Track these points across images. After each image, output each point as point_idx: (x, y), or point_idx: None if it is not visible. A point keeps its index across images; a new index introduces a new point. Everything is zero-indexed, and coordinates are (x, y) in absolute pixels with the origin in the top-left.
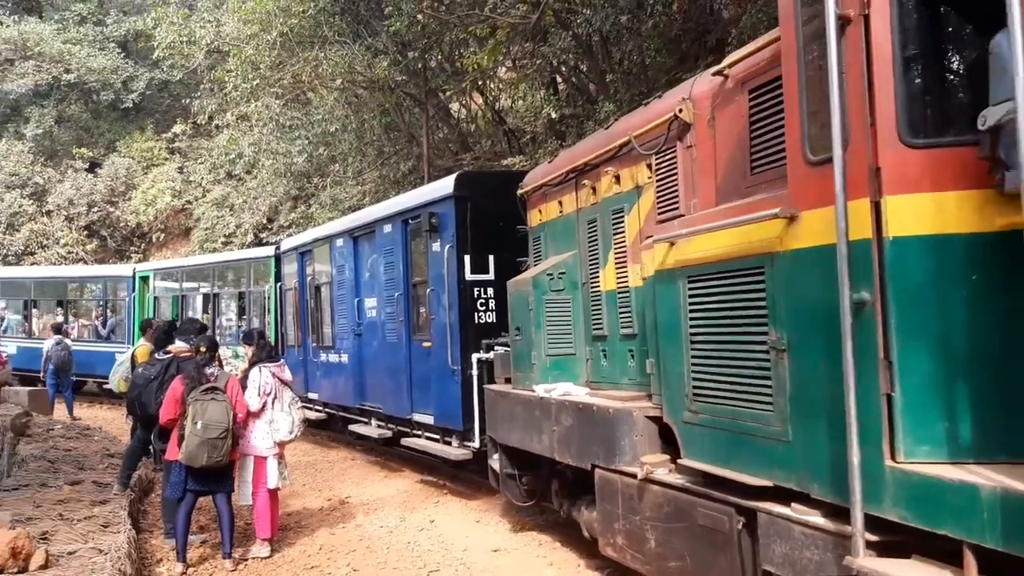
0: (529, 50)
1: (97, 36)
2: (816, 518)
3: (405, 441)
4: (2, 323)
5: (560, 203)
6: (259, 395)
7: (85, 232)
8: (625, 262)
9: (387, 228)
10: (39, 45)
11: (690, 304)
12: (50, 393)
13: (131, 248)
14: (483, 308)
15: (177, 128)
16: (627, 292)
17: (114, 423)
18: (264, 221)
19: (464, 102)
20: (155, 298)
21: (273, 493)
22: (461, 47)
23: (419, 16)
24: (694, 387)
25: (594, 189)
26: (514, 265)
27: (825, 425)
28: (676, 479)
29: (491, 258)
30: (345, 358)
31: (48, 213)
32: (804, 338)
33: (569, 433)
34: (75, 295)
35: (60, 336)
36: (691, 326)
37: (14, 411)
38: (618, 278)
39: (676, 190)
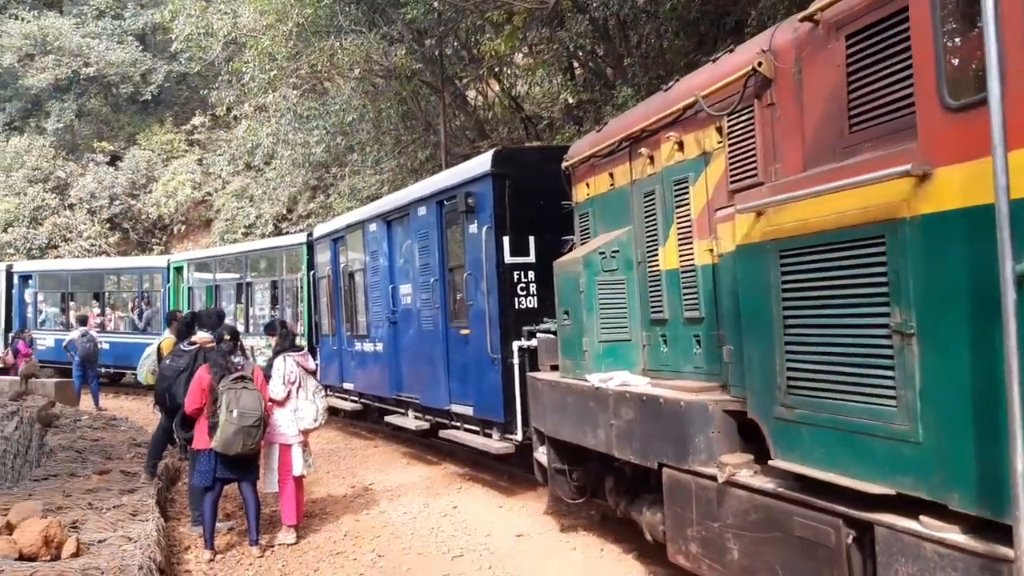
0: (546, 35)
1: (115, 30)
2: (956, 535)
3: (443, 433)
4: (40, 315)
5: (611, 175)
6: (284, 384)
7: (107, 225)
8: (690, 237)
9: (421, 211)
10: (59, 39)
11: (784, 282)
12: (76, 384)
13: (152, 240)
14: (523, 293)
15: (196, 120)
16: (692, 271)
17: (139, 413)
18: (284, 211)
19: (481, 89)
20: (189, 289)
21: (298, 480)
22: (478, 34)
23: (435, 3)
24: (789, 378)
25: (651, 158)
26: (556, 246)
27: (970, 423)
28: (765, 483)
29: (531, 239)
30: (380, 347)
31: (71, 207)
32: (940, 319)
33: (630, 428)
34: (111, 287)
35: (85, 328)
36: (785, 307)
37: (41, 403)
38: (681, 255)
39: (753, 154)
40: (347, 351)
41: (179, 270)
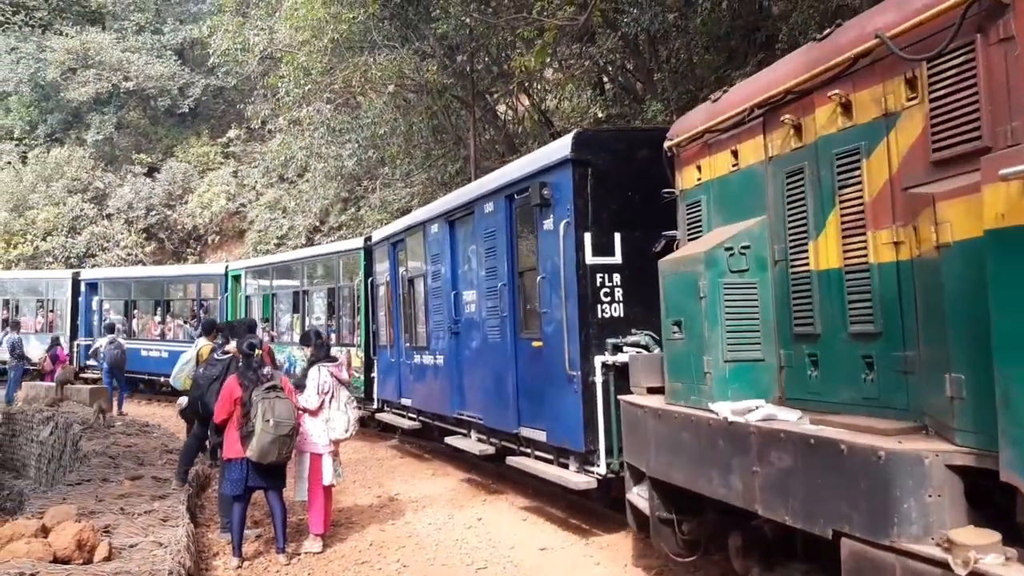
0: (576, 51)
1: (155, 44)
2: None
3: (512, 461)
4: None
5: (734, 153)
6: (318, 394)
7: (144, 235)
8: (861, 227)
9: (488, 207)
10: (100, 54)
11: None
12: (108, 391)
13: (187, 250)
14: (607, 299)
15: (231, 133)
16: (864, 271)
17: (171, 420)
18: (316, 223)
19: (511, 103)
20: (247, 297)
21: (327, 490)
22: (508, 49)
23: (467, 19)
24: None
25: (798, 128)
26: (645, 245)
27: None
28: None
29: (617, 237)
30: (441, 360)
31: (108, 216)
32: None
33: (785, 479)
34: (171, 295)
35: (113, 336)
36: None
37: (76, 409)
38: (847, 251)
39: (974, 109)
40: (405, 364)
41: (236, 278)
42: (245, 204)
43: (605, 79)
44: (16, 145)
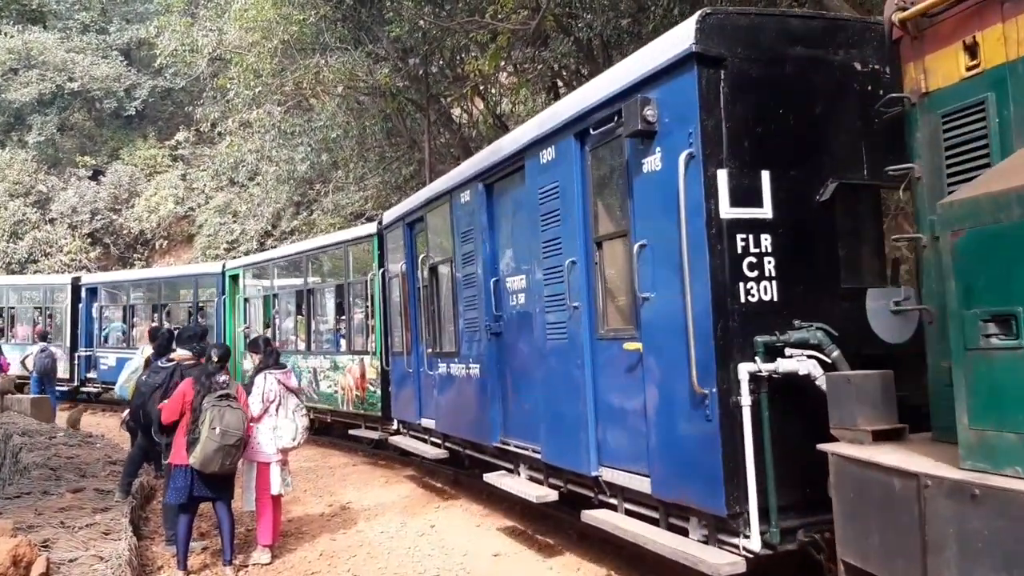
0: (530, 55)
1: (100, 44)
2: None
3: (591, 517)
4: (103, 331)
5: None
6: (262, 401)
7: (88, 240)
8: None
9: (546, 155)
10: (42, 54)
11: None
12: (52, 402)
13: (134, 255)
14: (754, 274)
15: (180, 135)
16: None
17: (116, 431)
18: (268, 228)
19: (465, 107)
20: (245, 300)
21: (276, 499)
22: (462, 52)
23: (420, 22)
24: None
25: None
26: (807, 191)
27: None
28: None
29: (765, 178)
30: (475, 370)
31: (51, 221)
32: None
33: None
34: (168, 299)
35: (45, 344)
36: None
37: (16, 419)
38: None
39: None
40: (426, 375)
41: (235, 278)
42: (194, 208)
43: (560, 83)
44: None
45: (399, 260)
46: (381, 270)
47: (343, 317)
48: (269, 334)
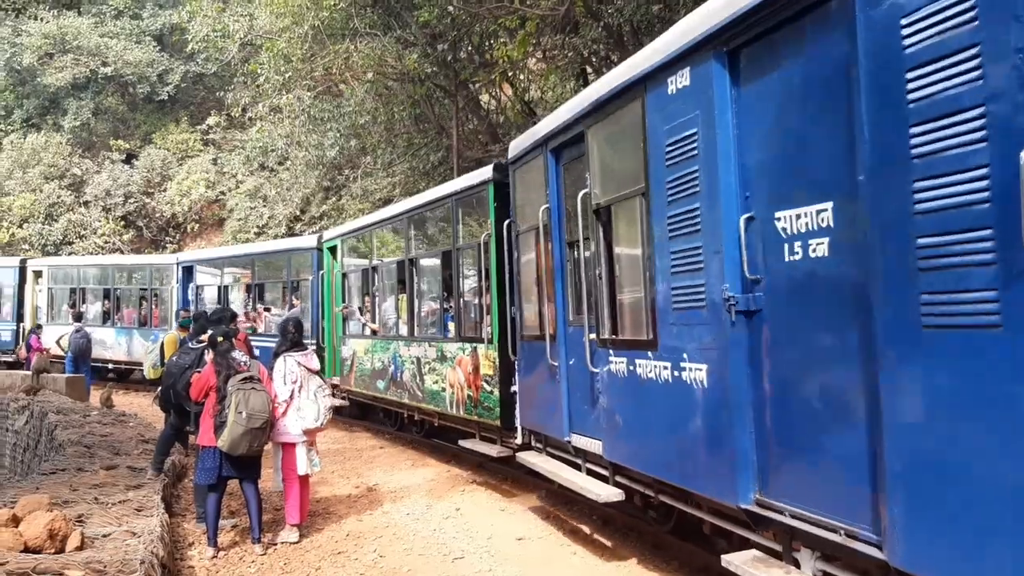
0: (559, 41)
1: (133, 30)
2: None
3: None
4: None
5: None
6: (285, 383)
7: (122, 222)
8: None
9: None
10: (77, 39)
11: None
12: (86, 380)
13: (166, 238)
14: None
15: (211, 120)
16: None
17: (149, 410)
18: (297, 212)
19: (494, 93)
20: (343, 275)
21: (303, 479)
22: (491, 38)
23: (449, 8)
24: None
25: None
26: None
27: None
28: None
29: None
30: (698, 374)
31: (86, 204)
32: None
33: None
34: (262, 277)
35: (79, 324)
36: None
37: (51, 398)
38: None
39: None
40: (583, 371)
41: (333, 250)
42: (225, 192)
43: (589, 69)
44: None
45: (534, 207)
46: (507, 222)
47: (452, 295)
48: (365, 316)
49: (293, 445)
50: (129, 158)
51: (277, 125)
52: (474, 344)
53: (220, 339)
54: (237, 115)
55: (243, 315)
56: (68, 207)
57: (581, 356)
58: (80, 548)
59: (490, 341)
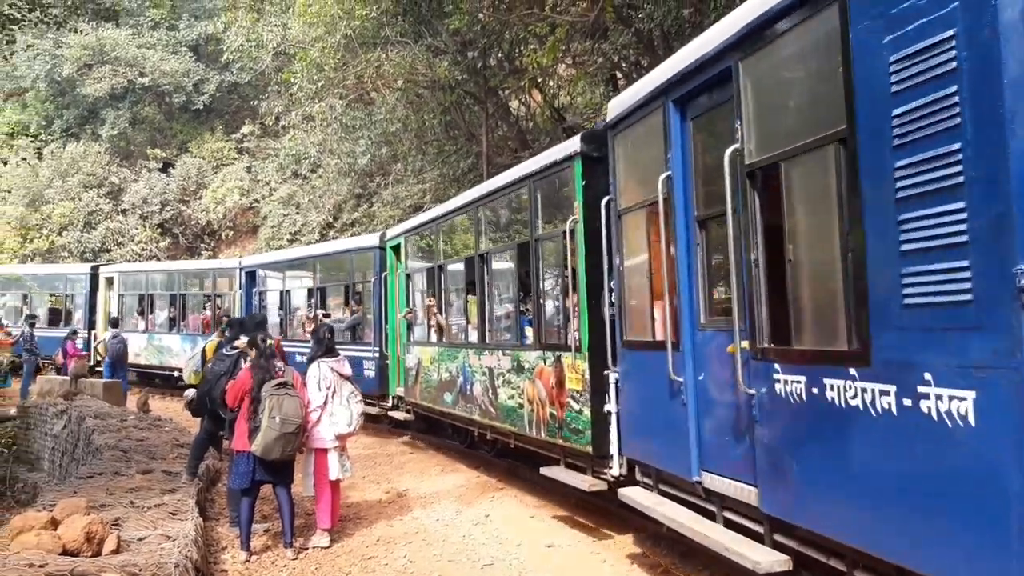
0: (589, 47)
1: (170, 40)
2: None
3: None
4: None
5: None
6: (319, 389)
7: (158, 230)
8: None
9: None
10: (115, 50)
11: None
12: (122, 385)
13: (201, 245)
14: None
15: (245, 129)
16: None
17: (184, 415)
18: (329, 219)
19: (523, 99)
20: (407, 276)
21: (334, 484)
22: (521, 45)
23: (479, 15)
24: None
25: None
26: None
27: None
28: None
29: None
30: (956, 406)
31: (123, 211)
32: None
33: None
34: (322, 279)
35: (116, 330)
36: None
37: (89, 402)
38: None
39: None
40: (727, 391)
41: (396, 250)
42: (258, 199)
43: (619, 75)
44: (32, 140)
45: (646, 179)
46: (605, 201)
47: (530, 295)
48: (429, 320)
49: (325, 450)
50: (166, 166)
51: (310, 133)
52: (557, 353)
53: (259, 344)
54: (271, 124)
55: (306, 320)
56: (106, 215)
57: (722, 371)
58: (116, 551)
59: (578, 349)
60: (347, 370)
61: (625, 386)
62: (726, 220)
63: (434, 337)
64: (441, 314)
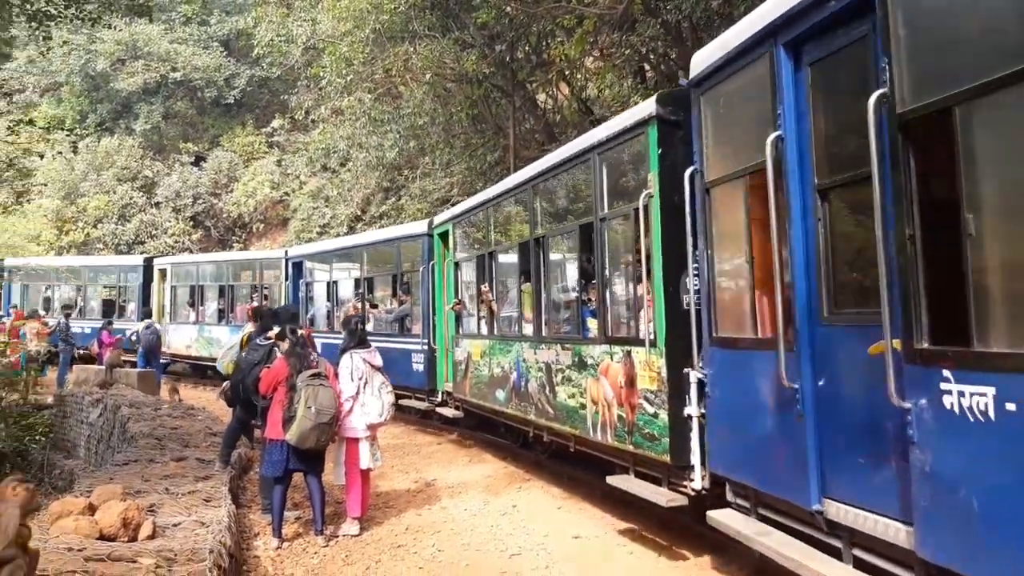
0: (617, 39)
1: (201, 36)
2: None
3: None
4: (309, 313)
5: None
6: (352, 380)
7: (191, 222)
8: None
9: None
10: (148, 45)
11: None
12: (156, 374)
13: (232, 238)
14: None
15: (275, 123)
16: None
17: (216, 404)
18: (358, 212)
19: (551, 92)
20: (455, 265)
21: (365, 474)
22: (548, 38)
23: (507, 8)
24: None
25: None
26: None
27: None
28: None
29: None
30: None
31: (157, 204)
32: None
33: None
34: (370, 269)
35: (149, 320)
36: None
37: (124, 391)
38: None
39: None
40: (868, 404)
41: (444, 237)
42: (288, 193)
43: (647, 67)
44: (68, 135)
45: (747, 142)
46: (690, 172)
47: (593, 282)
48: (479, 308)
49: (357, 440)
50: (198, 160)
51: (339, 127)
52: (627, 347)
53: (291, 334)
54: (300, 118)
55: (351, 311)
56: (140, 208)
57: (856, 376)
58: (152, 537)
59: (652, 344)
60: (378, 361)
61: (715, 390)
62: (869, 185)
63: (485, 329)
64: (494, 302)
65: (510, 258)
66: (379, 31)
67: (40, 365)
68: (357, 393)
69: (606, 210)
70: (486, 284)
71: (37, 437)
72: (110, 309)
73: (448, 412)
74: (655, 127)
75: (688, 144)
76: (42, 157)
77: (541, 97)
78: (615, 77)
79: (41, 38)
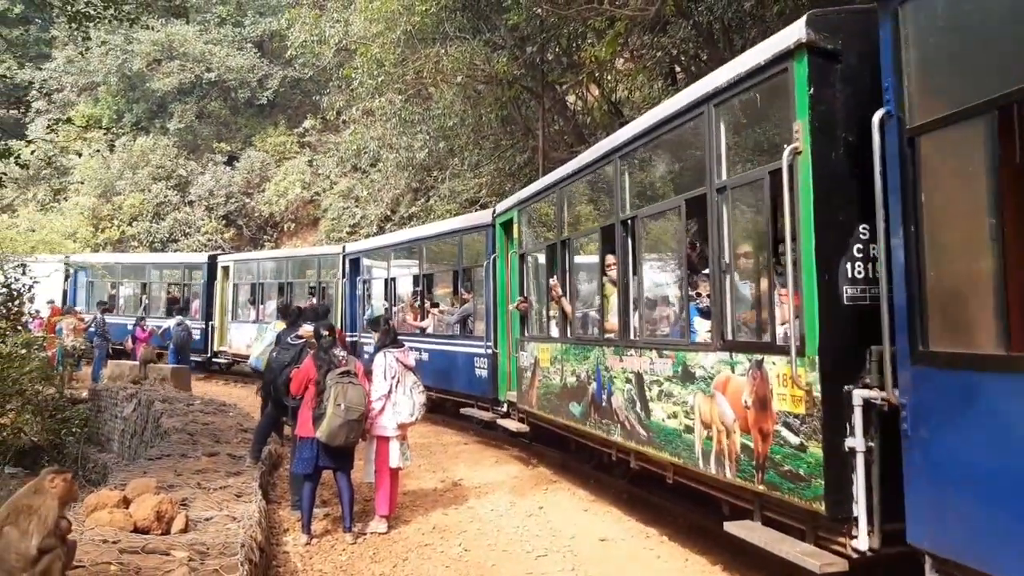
0: (648, 41)
1: (235, 37)
2: None
3: None
4: (366, 313)
5: None
6: (385, 379)
7: (223, 221)
8: None
9: None
10: (183, 46)
11: None
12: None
13: (264, 237)
14: None
15: (307, 123)
16: None
17: (247, 400)
18: (387, 213)
19: (580, 94)
20: (520, 257)
21: (394, 473)
22: (579, 40)
23: (538, 10)
24: None
25: None
26: None
27: None
28: None
29: None
30: None
31: (190, 203)
32: None
33: None
34: (432, 265)
35: (181, 318)
36: None
37: (157, 387)
38: None
39: None
40: None
41: (507, 226)
42: (319, 193)
43: (678, 69)
44: (104, 133)
45: (994, 64)
46: (879, 116)
47: (705, 272)
48: (548, 307)
49: (387, 439)
50: (230, 160)
51: (370, 128)
52: (757, 355)
53: (324, 334)
54: (332, 118)
55: (408, 312)
56: (174, 206)
57: None
58: (184, 530)
59: (800, 352)
60: (411, 360)
61: (924, 429)
62: None
63: (555, 331)
64: (564, 298)
65: (590, 244)
66: (410, 32)
67: (75, 360)
68: (389, 392)
69: (725, 177)
70: (555, 278)
71: (73, 430)
72: (174, 307)
73: (512, 425)
74: (805, 60)
75: (851, 82)
76: (79, 155)
77: (571, 99)
78: (645, 79)
79: (80, 39)
